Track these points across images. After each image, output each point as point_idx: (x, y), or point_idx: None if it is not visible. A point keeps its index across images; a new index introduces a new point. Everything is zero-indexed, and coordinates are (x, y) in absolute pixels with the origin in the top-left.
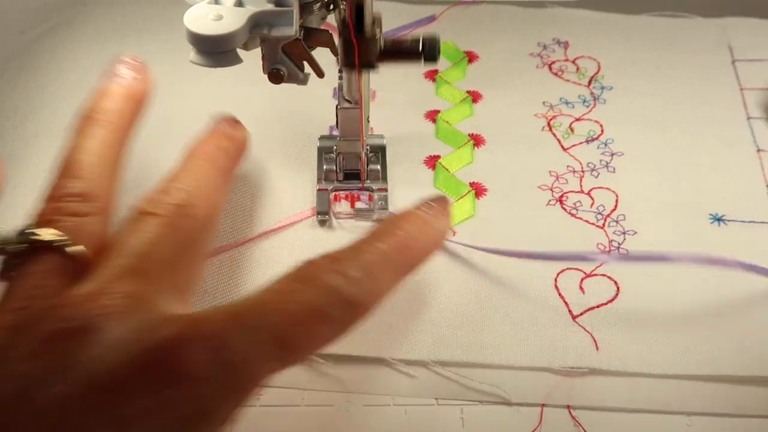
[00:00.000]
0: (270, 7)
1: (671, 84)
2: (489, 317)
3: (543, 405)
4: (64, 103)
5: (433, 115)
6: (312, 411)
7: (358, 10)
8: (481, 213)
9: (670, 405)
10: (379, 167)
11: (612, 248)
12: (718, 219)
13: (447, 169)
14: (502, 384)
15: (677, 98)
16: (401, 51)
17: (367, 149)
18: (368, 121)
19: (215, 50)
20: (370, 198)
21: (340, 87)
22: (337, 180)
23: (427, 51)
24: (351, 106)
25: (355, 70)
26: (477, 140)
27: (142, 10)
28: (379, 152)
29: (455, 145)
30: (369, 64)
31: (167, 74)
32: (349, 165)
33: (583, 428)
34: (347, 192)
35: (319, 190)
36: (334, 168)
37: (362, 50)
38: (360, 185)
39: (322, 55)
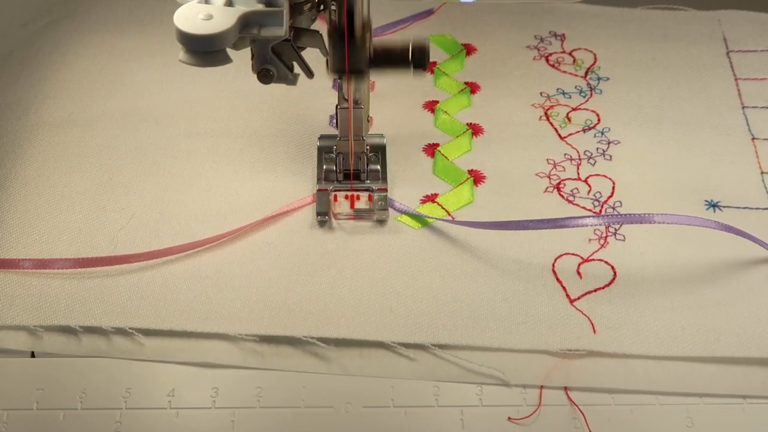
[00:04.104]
0: (260, 7)
1: (667, 75)
2: (488, 301)
3: (542, 387)
4: (67, 94)
5: (431, 106)
6: (312, 412)
7: (349, 14)
8: (480, 200)
9: (666, 386)
10: (378, 167)
11: (609, 234)
12: (713, 205)
13: (446, 157)
14: (501, 366)
15: (673, 88)
16: (390, 58)
17: (367, 149)
18: (368, 121)
19: (205, 49)
20: (370, 198)
21: (340, 87)
22: (336, 180)
23: (417, 59)
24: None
25: (344, 75)
26: (475, 129)
27: (144, 2)
28: (379, 152)
29: (454, 134)
30: (358, 71)
31: (168, 66)
32: (349, 165)
33: (580, 410)
34: (347, 192)
35: (318, 190)
36: (334, 168)
37: (352, 56)
38: (350, 185)
39: (313, 54)
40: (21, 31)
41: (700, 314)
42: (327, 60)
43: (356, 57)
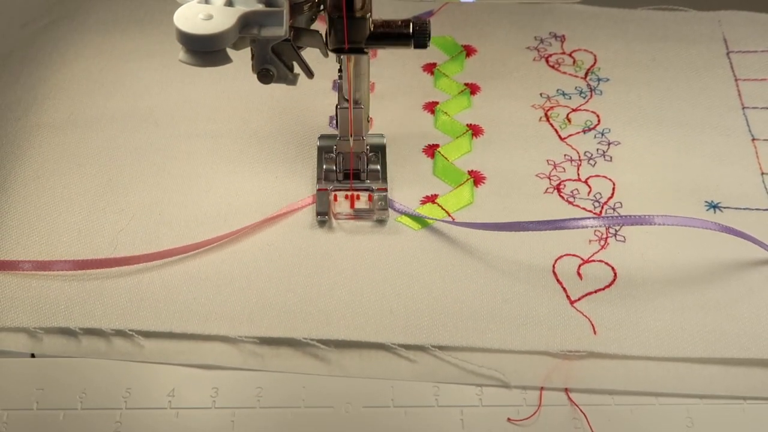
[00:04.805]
0: (260, 7)
1: (667, 75)
2: (488, 302)
3: (542, 388)
4: (67, 95)
5: (431, 107)
6: (312, 412)
7: None
8: (480, 201)
9: (666, 387)
10: (378, 167)
11: (609, 235)
12: (714, 206)
13: (446, 158)
14: (501, 368)
15: (673, 89)
16: (391, 34)
17: (367, 149)
18: (368, 121)
19: (205, 49)
20: (370, 198)
21: (340, 87)
22: (336, 180)
23: (417, 34)
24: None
25: (343, 53)
26: (475, 130)
27: (144, 2)
28: (379, 152)
29: (454, 135)
30: (358, 48)
31: (168, 66)
32: (349, 164)
33: (581, 410)
34: (347, 192)
35: (318, 190)
36: (334, 168)
37: (352, 31)
38: (350, 185)
39: (313, 54)
40: (21, 31)
41: (700, 315)
42: (327, 56)
43: (356, 32)
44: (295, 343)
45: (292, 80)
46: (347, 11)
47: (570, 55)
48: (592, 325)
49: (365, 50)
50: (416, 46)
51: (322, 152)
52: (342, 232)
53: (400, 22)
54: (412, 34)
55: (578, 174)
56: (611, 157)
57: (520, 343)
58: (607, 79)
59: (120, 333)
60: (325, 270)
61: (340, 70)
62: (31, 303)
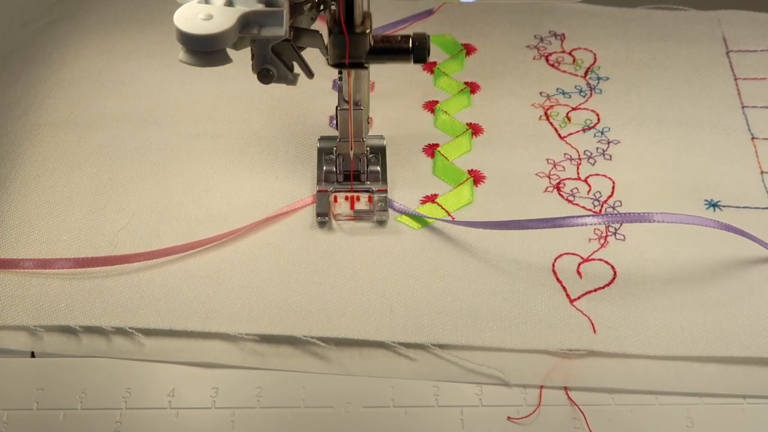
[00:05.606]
0: (260, 7)
1: (667, 74)
2: (488, 301)
3: (542, 387)
4: (67, 94)
5: (431, 106)
6: (312, 412)
7: (348, 6)
8: (480, 200)
9: (666, 386)
10: (378, 168)
11: (609, 233)
12: (713, 204)
13: (446, 157)
14: (501, 366)
15: (673, 88)
16: (391, 49)
17: (367, 150)
18: (368, 122)
19: (205, 49)
20: (370, 199)
21: (340, 88)
22: (337, 181)
23: (417, 49)
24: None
25: (344, 68)
26: (475, 129)
27: (144, 2)
28: (378, 153)
29: (453, 134)
30: (359, 63)
31: (168, 66)
32: (349, 166)
33: (580, 409)
34: (347, 193)
35: (319, 191)
36: (334, 169)
37: (352, 47)
38: (350, 186)
39: (313, 54)
40: (21, 31)
41: (700, 313)
42: (326, 55)
43: (356, 47)
44: (295, 341)
45: (292, 80)
46: (347, 27)
47: (570, 53)
48: (592, 323)
49: (365, 65)
50: (416, 61)
51: (322, 154)
52: (342, 232)
53: (399, 38)
54: (411, 48)
55: (578, 173)
56: (611, 156)
57: (520, 341)
58: (607, 78)
59: (120, 331)
60: (325, 269)
61: (340, 72)
62: (31, 301)
